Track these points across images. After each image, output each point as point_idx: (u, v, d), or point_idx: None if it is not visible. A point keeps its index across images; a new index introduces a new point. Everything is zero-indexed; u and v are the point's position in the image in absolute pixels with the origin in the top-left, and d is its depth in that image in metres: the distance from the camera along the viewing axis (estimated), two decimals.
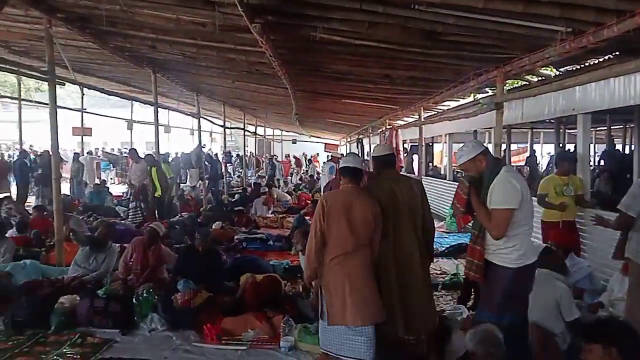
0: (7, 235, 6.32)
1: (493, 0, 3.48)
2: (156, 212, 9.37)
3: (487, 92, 7.85)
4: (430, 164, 16.40)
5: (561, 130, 12.43)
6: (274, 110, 15.30)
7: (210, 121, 14.85)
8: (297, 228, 8.18)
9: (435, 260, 7.16)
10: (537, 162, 15.87)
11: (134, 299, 4.63)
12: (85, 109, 12.94)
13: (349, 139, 23.51)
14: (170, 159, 15.29)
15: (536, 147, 17.71)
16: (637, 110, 8.77)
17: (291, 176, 22.98)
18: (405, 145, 15.14)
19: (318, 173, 19.00)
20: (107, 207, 11.16)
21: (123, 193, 14.11)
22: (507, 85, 5.96)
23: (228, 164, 18.67)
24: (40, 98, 15.34)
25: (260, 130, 23.69)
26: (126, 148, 18.47)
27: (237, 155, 24.76)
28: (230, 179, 18.74)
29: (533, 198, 3.40)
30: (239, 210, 11.42)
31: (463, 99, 9.08)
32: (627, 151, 13.43)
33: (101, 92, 8.44)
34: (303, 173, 22.56)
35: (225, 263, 6.07)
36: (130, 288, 4.99)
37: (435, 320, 3.67)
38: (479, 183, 3.11)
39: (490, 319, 3.01)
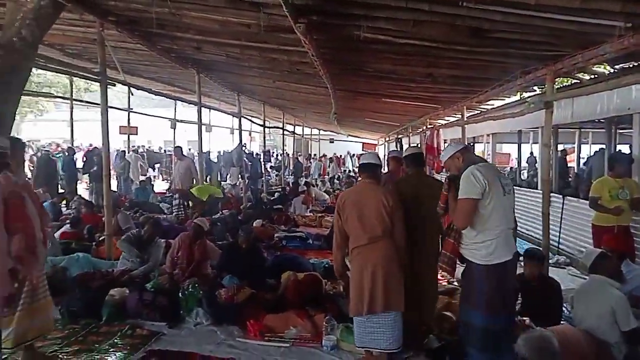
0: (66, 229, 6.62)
1: None
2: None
3: (534, 91, 7.60)
4: None
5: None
6: (313, 109, 15.37)
7: (250, 120, 15.09)
8: None
9: None
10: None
11: (180, 294, 4.76)
12: (131, 109, 13.41)
13: (387, 139, 23.29)
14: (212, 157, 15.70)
15: (584, 147, 16.98)
16: None
17: (329, 175, 23.03)
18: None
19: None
20: (151, 203, 11.53)
21: (166, 190, 14.55)
22: (556, 83, 5.72)
23: (267, 163, 18.89)
24: (89, 98, 16.03)
25: (298, 130, 23.84)
26: (170, 147, 19.05)
27: (277, 154, 25.00)
28: (269, 177, 18.96)
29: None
30: (278, 208, 11.56)
31: (508, 97, 8.82)
32: None
33: (148, 92, 8.74)
34: (341, 172, 22.51)
35: (266, 260, 6.15)
36: (176, 282, 5.14)
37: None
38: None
39: (475, 320, 3.06)
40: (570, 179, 11.47)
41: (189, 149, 23.98)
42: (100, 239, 6.80)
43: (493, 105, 9.67)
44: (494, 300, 3.02)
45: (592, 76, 6.12)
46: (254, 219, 9.21)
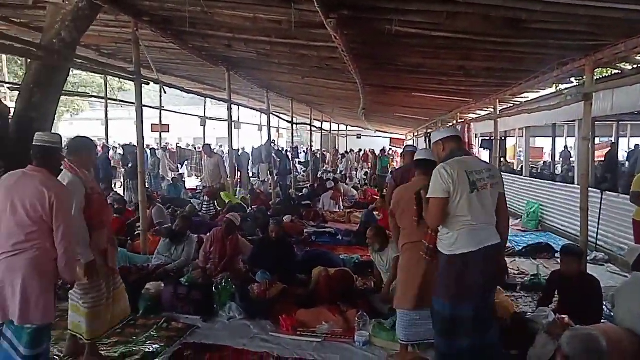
0: None
1: None
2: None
3: (571, 83, 7.35)
4: (502, 159, 15.68)
5: None
6: (341, 105, 15.32)
7: (278, 117, 15.17)
8: (366, 223, 8.17)
9: (512, 259, 6.94)
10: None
11: (213, 288, 4.84)
12: (163, 107, 13.67)
13: (416, 134, 23.01)
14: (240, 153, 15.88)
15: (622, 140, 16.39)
16: None
17: (356, 171, 22.92)
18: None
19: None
20: (183, 199, 11.73)
21: (196, 187, 14.80)
22: (595, 74, 5.52)
23: (295, 159, 18.96)
24: (122, 97, 16.46)
25: (325, 126, 23.82)
26: (200, 144, 19.33)
27: (305, 151, 25.03)
28: (297, 173, 19.03)
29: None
30: (307, 204, 11.59)
31: (543, 90, 8.56)
32: None
33: (181, 91, 8.89)
34: (369, 169, 22.35)
35: (296, 255, 6.18)
36: (209, 277, 5.23)
37: None
38: None
39: (436, 306, 3.16)
40: (608, 175, 11.04)
41: (220, 146, 24.31)
42: (136, 233, 6.98)
43: (527, 98, 9.42)
44: (452, 289, 3.11)
45: (635, 66, 5.88)
46: (283, 214, 9.27)
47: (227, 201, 9.44)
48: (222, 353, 3.84)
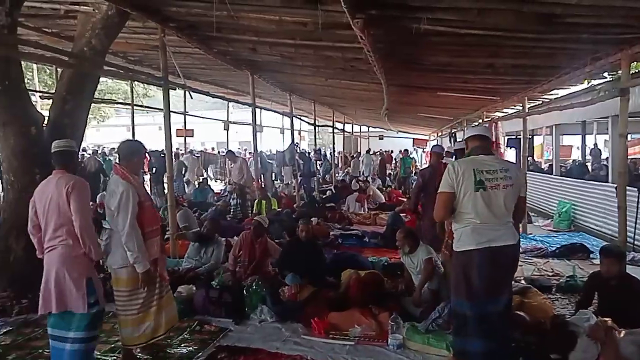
0: None
1: None
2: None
3: (604, 78, 7.13)
4: (530, 157, 15.35)
5: None
6: (363, 106, 15.26)
7: (300, 119, 15.19)
8: (392, 226, 8.09)
9: (546, 260, 6.77)
10: None
11: (244, 291, 4.84)
12: (187, 112, 13.86)
13: (440, 133, 22.73)
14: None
15: None
16: None
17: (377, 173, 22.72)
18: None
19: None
20: (209, 203, 11.82)
21: (221, 190, 14.93)
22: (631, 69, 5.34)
23: (318, 162, 18.93)
24: (147, 103, 16.77)
25: (347, 128, 23.76)
26: (223, 148, 19.52)
27: (327, 154, 24.97)
28: (320, 176, 19.01)
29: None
30: (331, 206, 11.56)
31: (573, 86, 8.34)
32: None
33: (206, 95, 8.99)
34: (391, 170, 22.18)
35: (325, 258, 6.13)
36: (238, 280, 5.24)
37: None
38: None
39: (453, 305, 3.24)
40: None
41: (244, 149, 24.46)
42: (165, 237, 7.06)
43: (557, 95, 9.18)
44: (457, 286, 3.19)
45: None
46: (308, 217, 9.24)
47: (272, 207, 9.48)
48: (256, 356, 3.83)
